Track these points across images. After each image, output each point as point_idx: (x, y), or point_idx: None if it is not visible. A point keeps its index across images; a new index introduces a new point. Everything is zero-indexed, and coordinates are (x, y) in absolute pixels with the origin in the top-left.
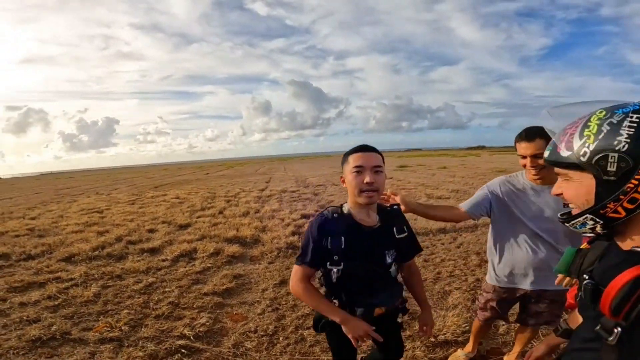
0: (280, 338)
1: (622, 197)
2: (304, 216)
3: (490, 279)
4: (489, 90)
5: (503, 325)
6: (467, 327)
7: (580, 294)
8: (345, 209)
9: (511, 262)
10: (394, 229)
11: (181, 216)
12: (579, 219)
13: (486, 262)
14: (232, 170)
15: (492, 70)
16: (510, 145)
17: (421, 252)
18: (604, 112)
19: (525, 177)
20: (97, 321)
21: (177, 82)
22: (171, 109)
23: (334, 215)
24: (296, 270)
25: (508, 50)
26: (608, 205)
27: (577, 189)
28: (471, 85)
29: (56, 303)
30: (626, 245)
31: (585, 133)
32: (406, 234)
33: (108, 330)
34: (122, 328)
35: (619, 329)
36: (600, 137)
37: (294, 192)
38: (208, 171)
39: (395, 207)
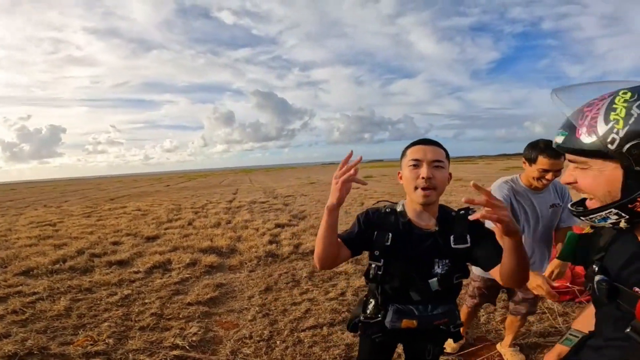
0: (278, 342)
1: None
2: (278, 225)
3: (477, 270)
4: (444, 102)
5: (484, 315)
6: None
7: (591, 285)
8: (400, 206)
9: None
10: (451, 236)
11: (147, 228)
12: (600, 213)
13: None
14: (194, 182)
15: (447, 82)
16: (464, 155)
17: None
18: (629, 94)
19: (521, 182)
20: (75, 335)
21: (133, 90)
22: (125, 117)
23: (387, 210)
24: None
25: (462, 64)
26: (638, 199)
27: (596, 179)
28: (428, 98)
29: (24, 317)
30: None
31: (612, 117)
32: (468, 245)
33: (91, 344)
34: (107, 341)
35: None
36: (631, 121)
37: (264, 202)
38: (168, 183)
39: (462, 211)
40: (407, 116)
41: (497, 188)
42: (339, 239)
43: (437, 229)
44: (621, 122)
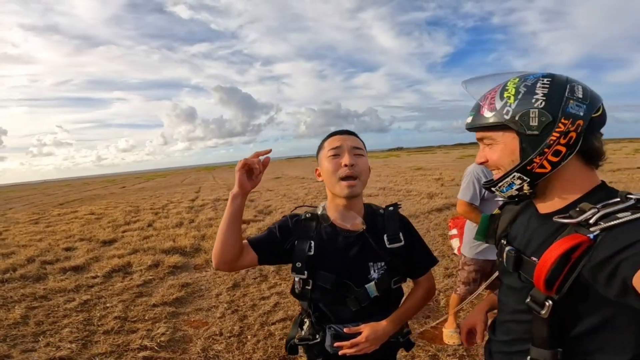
0: (249, 336)
1: (546, 150)
2: (244, 222)
3: (469, 253)
4: (403, 95)
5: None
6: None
7: (500, 260)
8: (321, 209)
9: None
10: (385, 236)
11: (102, 232)
12: (506, 180)
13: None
14: (153, 182)
15: (406, 76)
16: (424, 145)
17: (434, 264)
18: (517, 79)
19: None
20: (36, 342)
21: (78, 88)
22: (71, 117)
23: (307, 215)
24: None
25: (418, 57)
26: (534, 160)
27: (502, 151)
28: (389, 91)
29: None
30: (546, 207)
31: (505, 95)
32: (402, 243)
33: (54, 350)
34: (70, 347)
35: (550, 302)
36: (519, 97)
37: (228, 199)
38: (124, 185)
39: (391, 208)
40: (371, 109)
41: (473, 168)
42: (245, 241)
43: (364, 227)
44: (512, 97)
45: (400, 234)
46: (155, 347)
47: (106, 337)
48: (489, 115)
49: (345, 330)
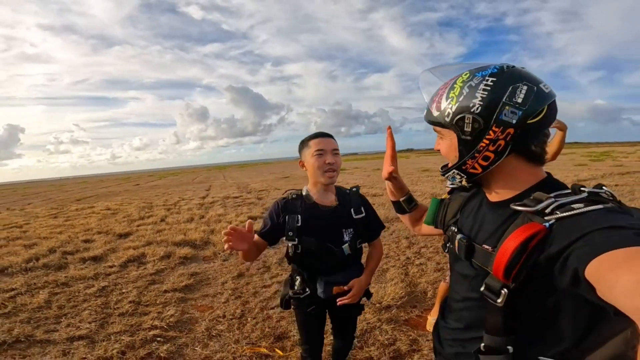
0: (249, 319)
1: (477, 154)
2: (251, 218)
3: None
4: (415, 97)
5: None
6: (404, 294)
7: (448, 245)
8: (305, 191)
9: None
10: (352, 209)
11: (118, 226)
12: (449, 173)
13: (414, 244)
14: (165, 180)
15: (418, 77)
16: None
17: (383, 229)
18: (467, 75)
19: None
20: (57, 323)
21: (94, 87)
22: (87, 115)
23: (294, 196)
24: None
25: (430, 58)
26: (467, 162)
27: (448, 146)
28: (400, 92)
29: (6, 311)
30: (494, 197)
31: (450, 95)
32: (363, 214)
33: (74, 329)
34: (88, 327)
35: (506, 290)
36: (461, 99)
37: (237, 197)
38: (137, 182)
39: (354, 189)
40: (382, 110)
41: None
42: (256, 237)
43: (337, 203)
44: (454, 99)
45: (362, 208)
46: (165, 327)
47: (121, 318)
48: (435, 114)
49: (335, 289)
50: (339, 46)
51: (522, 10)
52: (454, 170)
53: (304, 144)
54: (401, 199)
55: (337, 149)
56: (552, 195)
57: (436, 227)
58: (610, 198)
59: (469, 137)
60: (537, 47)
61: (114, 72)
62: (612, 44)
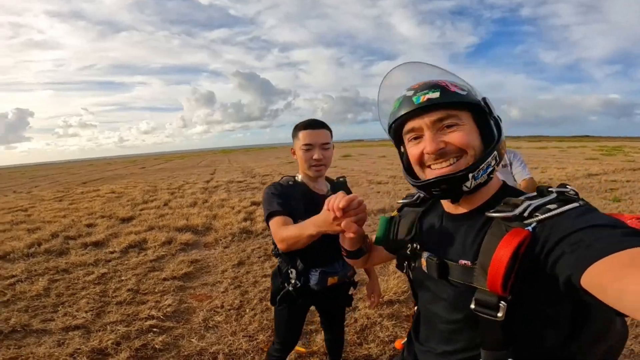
0: (247, 310)
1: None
2: (254, 203)
3: None
4: None
5: None
6: (407, 288)
7: (414, 266)
8: (299, 178)
9: None
10: None
11: (122, 210)
12: (487, 160)
13: None
14: (171, 163)
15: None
16: None
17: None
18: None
19: None
20: (55, 312)
21: (101, 72)
22: (94, 100)
23: (289, 182)
24: (274, 223)
25: (441, 47)
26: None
27: (470, 132)
28: (409, 80)
29: (5, 299)
30: (457, 209)
31: (461, 84)
32: None
33: (70, 319)
34: (85, 316)
35: (504, 303)
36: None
37: (241, 182)
38: (143, 165)
39: (341, 179)
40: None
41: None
42: (287, 217)
43: (330, 192)
44: (468, 86)
45: None
46: (161, 317)
47: (118, 307)
48: (463, 93)
49: (330, 280)
50: (347, 33)
51: (539, 2)
52: (494, 152)
53: (294, 132)
54: (363, 245)
55: (328, 142)
56: (523, 197)
57: (387, 245)
58: (576, 197)
59: (495, 119)
60: (553, 38)
61: (122, 58)
62: (631, 38)
